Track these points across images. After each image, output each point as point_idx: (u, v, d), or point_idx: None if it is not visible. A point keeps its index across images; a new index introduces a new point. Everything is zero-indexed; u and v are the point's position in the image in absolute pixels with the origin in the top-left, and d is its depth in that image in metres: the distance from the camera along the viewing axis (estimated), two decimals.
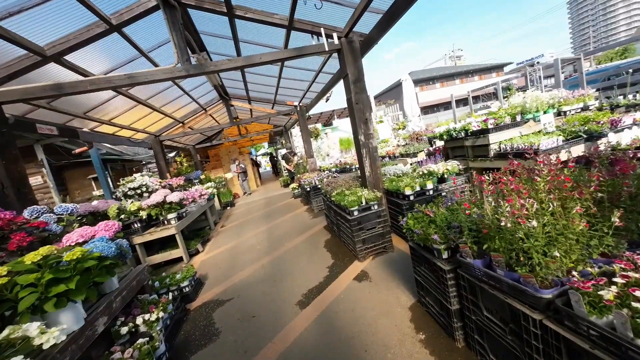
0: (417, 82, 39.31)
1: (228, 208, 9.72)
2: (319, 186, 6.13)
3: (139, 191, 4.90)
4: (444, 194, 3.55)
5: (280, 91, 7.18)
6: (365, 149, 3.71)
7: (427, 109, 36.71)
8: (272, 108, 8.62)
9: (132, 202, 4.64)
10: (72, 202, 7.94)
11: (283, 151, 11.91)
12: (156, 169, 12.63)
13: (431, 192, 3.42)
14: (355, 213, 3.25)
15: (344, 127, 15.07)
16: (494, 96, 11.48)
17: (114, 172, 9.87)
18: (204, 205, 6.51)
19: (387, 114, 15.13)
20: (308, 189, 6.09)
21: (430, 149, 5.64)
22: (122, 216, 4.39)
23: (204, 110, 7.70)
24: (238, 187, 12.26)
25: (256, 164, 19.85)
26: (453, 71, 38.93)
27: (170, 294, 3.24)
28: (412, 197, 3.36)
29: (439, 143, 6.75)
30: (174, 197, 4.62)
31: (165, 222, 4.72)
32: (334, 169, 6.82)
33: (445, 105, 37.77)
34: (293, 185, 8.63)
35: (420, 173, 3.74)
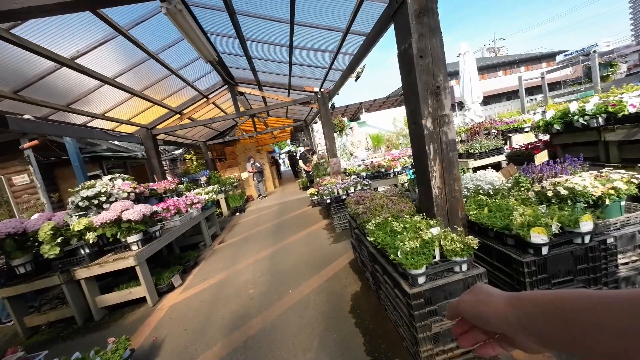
0: (451, 75, 35.90)
1: (237, 214, 8.39)
2: (343, 197, 4.45)
3: (95, 202, 3.57)
4: (610, 240, 1.70)
5: (296, 71, 5.58)
6: (434, 145, 1.97)
7: (462, 104, 33.21)
8: (288, 96, 7.06)
9: (79, 218, 3.31)
10: (59, 205, 7.04)
11: (302, 149, 10.38)
12: (166, 167, 11.73)
13: (587, 240, 1.59)
14: (422, 280, 1.53)
15: (373, 121, 13.21)
16: (585, 77, 8.93)
17: (114, 171, 8.96)
18: (197, 216, 5.13)
19: None
20: (328, 201, 4.44)
21: (517, 146, 3.69)
22: (59, 240, 3.06)
23: (204, 98, 6.34)
24: (253, 189, 10.95)
25: (276, 163, 18.60)
26: (495, 62, 34.91)
27: None
28: (545, 250, 1.56)
29: (518, 139, 4.73)
30: (134, 213, 3.20)
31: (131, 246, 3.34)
32: (363, 174, 5.10)
33: (486, 100, 34.17)
34: (311, 190, 7.02)
35: (548, 192, 1.90)
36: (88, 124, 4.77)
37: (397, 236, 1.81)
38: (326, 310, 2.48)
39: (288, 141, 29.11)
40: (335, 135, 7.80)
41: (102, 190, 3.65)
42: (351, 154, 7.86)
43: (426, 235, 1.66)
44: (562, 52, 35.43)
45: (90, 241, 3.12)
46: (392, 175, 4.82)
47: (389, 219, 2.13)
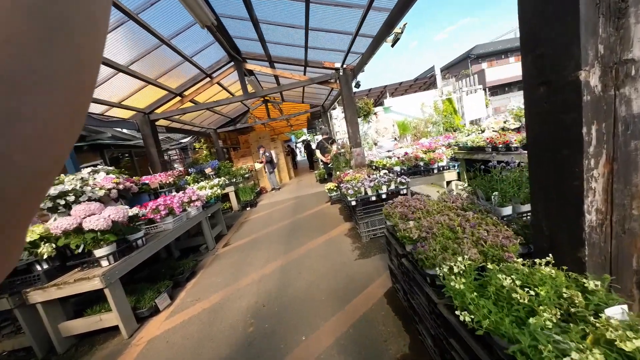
0: (484, 56, 32.90)
1: (247, 209, 7.66)
2: (373, 199, 3.49)
3: (62, 202, 2.84)
4: None
5: (314, 40, 4.56)
6: (601, 124, 0.95)
7: (495, 89, 30.20)
8: (304, 74, 6.05)
9: (33, 225, 2.60)
10: None
11: (319, 137, 9.43)
12: (176, 157, 11.21)
13: None
14: None
15: (398, 107, 11.91)
16: None
17: (120, 163, 8.47)
18: (197, 215, 4.37)
19: (460, 90, 11.46)
20: (354, 203, 3.49)
21: None
22: None
23: (208, 77, 5.48)
24: (267, 180, 10.20)
25: (292, 152, 17.78)
26: None
27: None
28: None
29: None
30: (99, 221, 2.43)
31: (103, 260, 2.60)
32: (397, 168, 4.08)
33: (521, 85, 31.04)
34: (330, 185, 6.10)
35: None
36: None
37: (529, 319, 0.84)
38: None
39: (305, 130, 28.17)
40: (359, 121, 6.76)
41: (70, 188, 2.91)
42: (375, 144, 6.80)
43: (627, 342, 0.68)
44: None
45: (45, 255, 2.40)
46: (435, 171, 3.76)
47: (486, 263, 1.15)
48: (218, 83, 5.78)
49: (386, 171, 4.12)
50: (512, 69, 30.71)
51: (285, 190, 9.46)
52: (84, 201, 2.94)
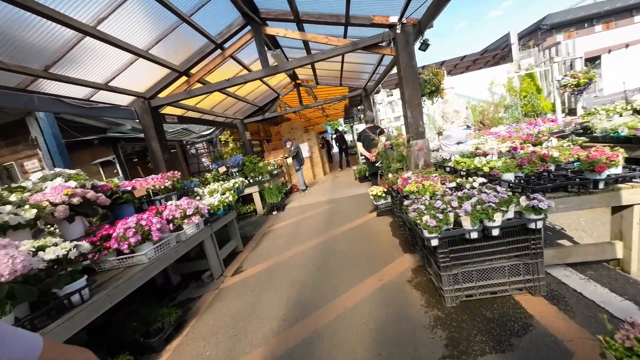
0: (559, 26, 27.25)
1: (274, 213, 6.44)
2: (472, 235, 1.86)
3: None
4: None
5: None
6: None
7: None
8: (345, 37, 4.44)
9: None
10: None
11: (361, 127, 7.80)
12: (204, 151, 10.47)
13: None
14: None
15: (458, 88, 9.61)
16: None
17: (145, 158, 7.81)
18: (197, 235, 3.17)
19: (543, 62, 8.79)
20: (435, 242, 1.90)
21: None
22: None
23: (218, 49, 4.20)
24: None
25: (327, 144, 16.28)
26: (632, 1, 25.02)
27: None
28: None
29: None
30: None
31: None
32: (509, 175, 2.33)
33: None
34: (376, 190, 4.52)
35: None
36: (28, 88, 3.07)
37: None
38: None
39: (341, 120, 26.34)
40: (423, 99, 5.02)
41: None
42: (439, 133, 4.98)
43: None
44: None
45: None
46: (600, 186, 1.95)
47: None
48: (233, 57, 4.49)
49: (483, 180, 2.42)
50: (598, 39, 24.83)
51: (319, 190, 8.08)
52: (19, 225, 1.84)
